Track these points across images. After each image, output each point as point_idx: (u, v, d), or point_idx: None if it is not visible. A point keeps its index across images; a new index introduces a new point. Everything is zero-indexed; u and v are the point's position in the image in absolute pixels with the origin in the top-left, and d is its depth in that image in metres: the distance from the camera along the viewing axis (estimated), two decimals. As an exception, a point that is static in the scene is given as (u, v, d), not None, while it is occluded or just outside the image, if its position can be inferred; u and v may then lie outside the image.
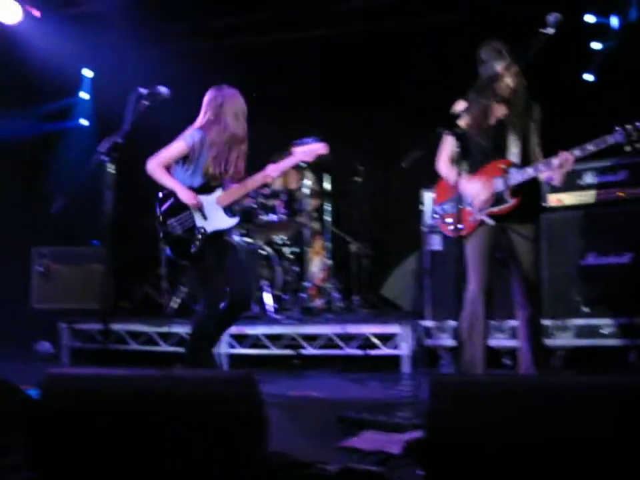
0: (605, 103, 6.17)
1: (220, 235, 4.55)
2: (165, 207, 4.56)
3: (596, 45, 6.73)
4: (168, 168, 4.54)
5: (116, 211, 3.64)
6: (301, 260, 6.84)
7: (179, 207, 4.51)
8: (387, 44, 7.48)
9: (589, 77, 6.79)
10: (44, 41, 7.19)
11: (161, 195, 4.59)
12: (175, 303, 6.80)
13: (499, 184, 3.81)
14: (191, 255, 4.49)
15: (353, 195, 7.46)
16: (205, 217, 4.52)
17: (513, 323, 4.97)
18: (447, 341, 5.45)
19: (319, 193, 7.34)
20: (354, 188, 7.41)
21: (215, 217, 4.52)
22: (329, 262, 6.89)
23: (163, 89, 4.05)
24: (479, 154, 3.92)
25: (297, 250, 6.89)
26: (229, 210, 4.57)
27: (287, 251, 6.85)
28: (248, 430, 2.37)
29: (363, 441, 3.14)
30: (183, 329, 5.91)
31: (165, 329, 5.99)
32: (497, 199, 3.84)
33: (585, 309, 5.10)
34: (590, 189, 5.22)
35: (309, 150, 4.56)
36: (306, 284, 6.61)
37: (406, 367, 5.42)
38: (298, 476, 2.48)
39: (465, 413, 2.21)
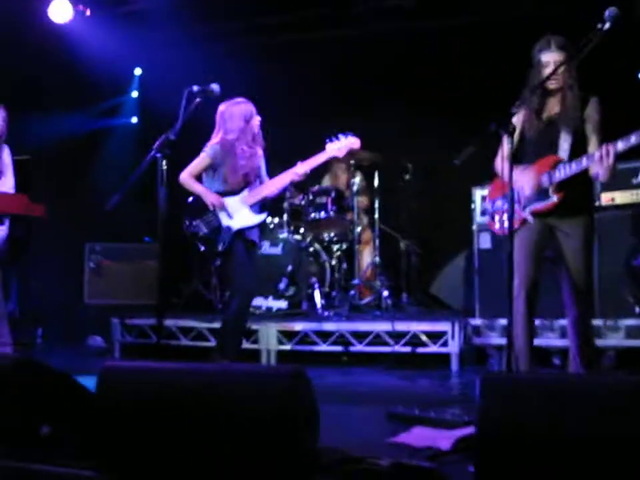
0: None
1: (244, 232, 4.87)
2: (191, 210, 4.97)
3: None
4: (198, 177, 4.94)
5: (168, 208, 3.70)
6: (349, 257, 6.85)
7: (205, 209, 4.90)
8: (436, 39, 7.44)
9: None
10: (94, 40, 7.30)
11: (190, 199, 4.99)
12: (225, 299, 6.87)
13: (544, 180, 3.76)
14: (219, 252, 4.84)
15: (402, 193, 7.45)
16: (230, 216, 4.87)
17: (563, 322, 4.92)
18: (496, 340, 5.41)
19: (368, 190, 7.35)
20: (403, 186, 7.40)
21: (240, 215, 4.87)
22: (378, 259, 6.89)
23: (214, 87, 4.13)
24: (531, 151, 3.89)
25: (345, 247, 6.91)
26: (256, 207, 4.90)
27: (335, 248, 6.87)
28: (299, 425, 2.39)
29: (413, 437, 3.14)
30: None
31: (215, 325, 6.05)
32: (541, 195, 3.80)
33: (637, 309, 5.02)
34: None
35: (341, 146, 4.81)
36: (354, 281, 6.63)
37: (455, 365, 5.40)
38: (349, 471, 2.49)
39: (515, 411, 2.20)
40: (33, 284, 7.16)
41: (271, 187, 4.94)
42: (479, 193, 5.67)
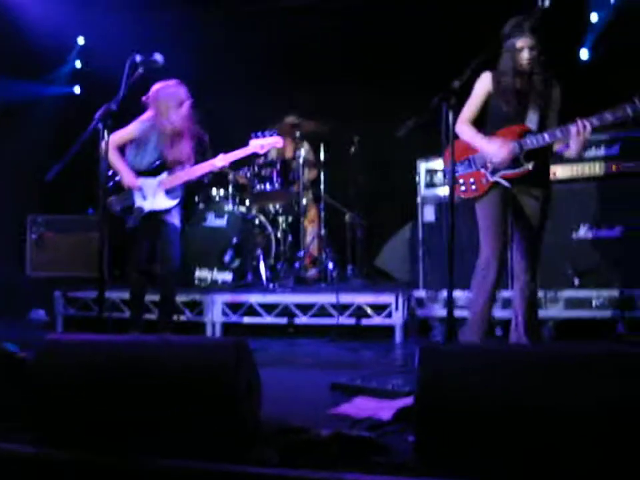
0: (602, 81, 6.17)
1: (156, 214, 4.92)
2: (110, 185, 4.96)
3: (594, 17, 6.72)
4: (122, 147, 4.99)
5: (110, 179, 3.65)
6: (295, 230, 6.86)
7: (121, 187, 4.93)
8: (382, 10, 7.43)
9: (584, 54, 6.80)
10: (38, 8, 7.13)
11: (109, 173, 4.91)
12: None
13: (515, 147, 3.87)
14: (127, 230, 4.92)
15: (347, 165, 7.46)
16: (144, 197, 4.92)
17: (507, 293, 5.02)
18: (439, 311, 5.50)
19: (314, 162, 7.35)
20: (349, 158, 7.41)
21: (154, 198, 4.92)
22: (324, 232, 6.91)
23: (157, 57, 4.05)
24: (498, 117, 4.01)
25: (291, 219, 6.91)
26: (170, 192, 4.93)
27: (281, 220, 6.87)
28: (240, 396, 2.41)
29: (354, 408, 3.18)
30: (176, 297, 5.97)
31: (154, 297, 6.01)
32: (513, 162, 3.91)
33: (575, 281, 5.14)
34: (583, 162, 5.23)
35: (264, 143, 5.03)
36: (300, 253, 6.65)
37: (398, 337, 5.47)
38: (289, 441, 2.51)
39: (453, 381, 2.25)
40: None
41: (189, 174, 4.96)
42: (423, 166, 5.73)
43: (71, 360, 2.58)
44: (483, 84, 4.04)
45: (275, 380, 3.59)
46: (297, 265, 6.57)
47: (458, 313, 5.07)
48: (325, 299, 5.68)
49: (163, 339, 2.56)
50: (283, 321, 5.78)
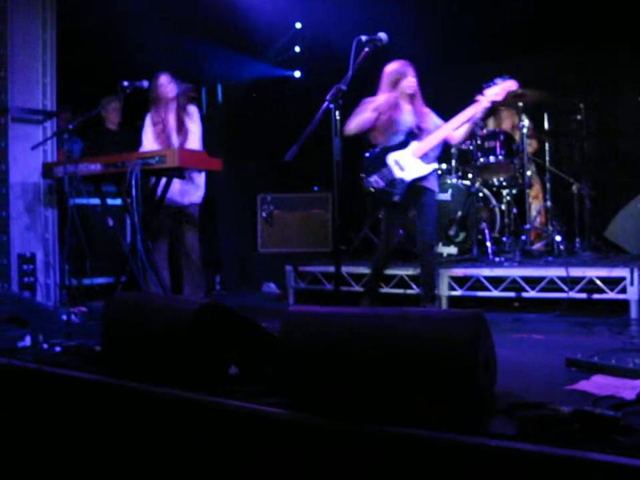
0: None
1: (416, 183, 5.11)
2: (367, 166, 5.23)
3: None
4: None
5: (342, 158, 3.77)
6: (520, 202, 6.71)
7: (379, 164, 5.16)
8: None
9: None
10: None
11: (367, 155, 5.27)
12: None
13: None
14: (394, 203, 5.11)
15: (573, 134, 7.15)
16: (402, 169, 5.10)
17: None
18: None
19: (538, 133, 7.13)
20: (575, 127, 7.10)
21: (412, 167, 5.09)
22: (549, 204, 6.69)
23: (382, 35, 4.11)
24: None
25: (515, 192, 6.76)
26: (425, 158, 5.11)
27: (505, 193, 6.74)
28: (478, 368, 2.42)
29: (593, 385, 3.08)
30: (401, 271, 6.06)
31: (387, 271, 6.13)
32: None
33: None
34: None
35: (500, 89, 4.99)
36: (526, 226, 6.49)
37: (634, 312, 5.19)
38: (528, 416, 2.48)
39: None
40: (211, 234, 7.54)
41: (435, 138, 5.12)
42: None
43: (311, 331, 2.71)
44: None
45: (507, 355, 3.55)
46: (522, 238, 6.41)
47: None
48: (554, 272, 5.51)
49: (402, 312, 2.61)
50: (511, 295, 5.69)
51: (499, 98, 5.02)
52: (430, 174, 5.15)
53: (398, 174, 5.11)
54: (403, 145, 5.14)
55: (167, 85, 5.53)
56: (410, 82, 5.14)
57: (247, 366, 3.20)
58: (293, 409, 2.59)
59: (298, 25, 8.79)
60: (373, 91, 5.27)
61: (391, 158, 5.14)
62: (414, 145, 5.12)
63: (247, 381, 3.04)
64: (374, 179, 5.17)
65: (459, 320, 2.48)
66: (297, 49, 8.95)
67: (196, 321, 3.04)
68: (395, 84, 5.13)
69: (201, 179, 5.57)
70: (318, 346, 2.64)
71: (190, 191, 5.52)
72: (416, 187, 5.12)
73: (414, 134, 5.16)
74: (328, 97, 3.66)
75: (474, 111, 5.01)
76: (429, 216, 5.13)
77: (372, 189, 5.20)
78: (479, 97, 5.03)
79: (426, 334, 2.48)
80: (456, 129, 5.12)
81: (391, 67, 5.18)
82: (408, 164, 5.11)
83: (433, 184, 5.22)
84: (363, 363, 2.55)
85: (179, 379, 2.95)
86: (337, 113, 3.65)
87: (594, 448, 2.19)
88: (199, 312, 3.06)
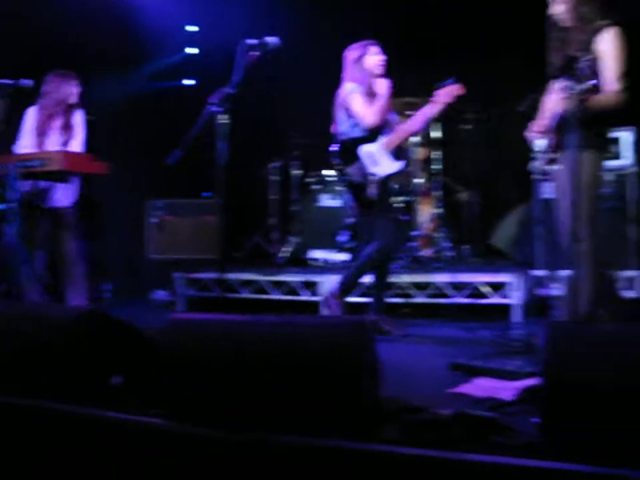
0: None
1: (388, 179, 4.92)
2: (341, 156, 4.93)
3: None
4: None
5: (228, 162, 3.72)
6: (410, 209, 6.81)
7: (353, 157, 4.87)
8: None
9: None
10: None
11: (334, 148, 4.99)
12: (285, 252, 6.92)
13: None
14: (368, 199, 4.83)
15: (462, 143, 7.34)
16: (375, 164, 4.86)
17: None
18: (558, 291, 5.34)
19: (427, 141, 7.26)
20: (464, 135, 7.29)
21: (384, 162, 4.88)
22: (439, 211, 6.84)
23: (272, 39, 4.07)
24: None
25: (405, 199, 6.86)
26: (394, 154, 4.89)
27: (395, 200, 6.82)
28: (363, 374, 2.42)
29: (474, 388, 3.15)
30: (292, 278, 6.06)
31: (276, 278, 6.12)
32: None
33: None
34: None
35: (449, 91, 4.78)
36: (415, 233, 6.59)
37: (517, 316, 5.36)
38: (411, 420, 2.51)
39: (583, 362, 2.18)
40: (99, 241, 7.32)
41: (403, 132, 4.94)
42: (539, 142, 5.54)
43: (194, 338, 2.65)
44: None
45: (392, 360, 3.59)
46: (412, 244, 6.51)
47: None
48: (441, 278, 5.63)
49: (287, 319, 2.59)
50: (399, 300, 5.76)
51: (450, 100, 4.82)
52: (399, 171, 4.99)
53: (372, 168, 4.88)
54: (371, 138, 4.90)
55: (57, 85, 5.31)
56: (375, 60, 4.89)
57: (131, 376, 3.11)
58: (174, 419, 2.53)
59: (190, 29, 8.70)
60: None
61: (364, 151, 4.91)
62: (381, 140, 4.89)
63: (130, 391, 2.96)
64: (351, 170, 4.90)
65: (344, 326, 2.47)
66: (194, 51, 8.83)
67: (74, 329, 2.92)
68: (359, 63, 4.87)
69: (74, 180, 5.35)
70: (200, 354, 2.58)
71: (63, 194, 5.26)
72: (386, 185, 4.94)
73: (380, 126, 4.90)
74: (213, 100, 3.61)
75: (432, 110, 4.81)
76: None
77: (352, 182, 4.93)
78: (434, 98, 4.84)
79: (311, 341, 2.47)
80: (417, 127, 4.96)
81: (353, 48, 4.93)
82: (381, 159, 4.88)
83: (396, 184, 5.09)
84: (247, 371, 2.51)
85: (56, 391, 2.83)
86: (226, 116, 3.60)
87: (472, 449, 2.23)
88: (77, 320, 2.94)
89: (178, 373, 2.63)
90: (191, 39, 8.79)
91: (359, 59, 4.87)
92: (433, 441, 2.32)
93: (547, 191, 5.48)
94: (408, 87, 6.18)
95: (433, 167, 7.05)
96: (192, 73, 8.90)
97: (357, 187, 4.90)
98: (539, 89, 3.31)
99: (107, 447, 2.60)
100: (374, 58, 4.88)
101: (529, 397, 2.82)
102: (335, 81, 5.03)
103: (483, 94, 7.46)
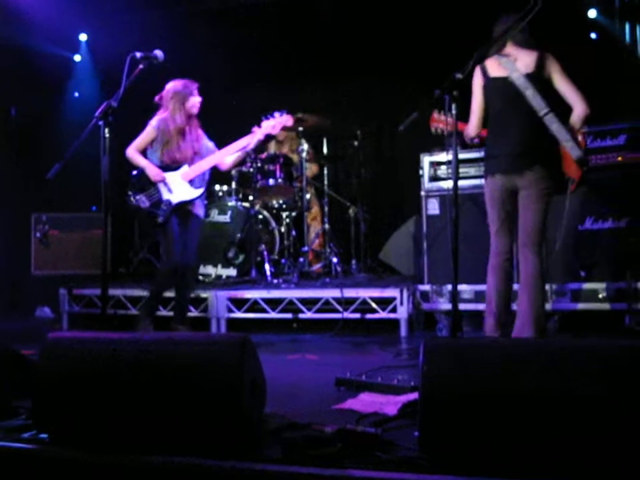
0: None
1: (183, 206, 5.08)
2: (134, 183, 5.12)
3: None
4: (144, 152, 5.15)
5: (114, 176, 3.64)
6: (299, 225, 6.84)
7: (148, 183, 5.07)
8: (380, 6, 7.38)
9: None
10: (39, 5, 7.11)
11: (134, 173, 5.13)
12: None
13: None
14: (157, 224, 5.01)
15: (350, 160, 7.44)
16: (170, 191, 5.05)
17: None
18: (444, 305, 5.47)
19: (316, 157, 7.34)
20: (352, 152, 7.39)
21: (180, 190, 5.06)
22: (327, 226, 6.90)
23: (157, 53, 4.05)
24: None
25: (294, 215, 6.89)
26: (194, 183, 5.10)
27: (284, 215, 6.85)
28: (244, 392, 2.39)
29: (360, 403, 3.17)
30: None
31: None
32: None
33: (582, 273, 5.11)
34: (589, 154, 5.19)
35: (276, 122, 5.15)
36: (304, 249, 6.62)
37: (403, 331, 5.45)
38: (293, 437, 2.50)
39: (458, 375, 2.23)
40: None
41: (206, 164, 5.14)
42: (427, 160, 5.68)
43: (74, 358, 2.57)
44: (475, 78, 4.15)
45: (280, 376, 3.58)
46: (301, 260, 6.55)
47: (462, 306, 5.12)
48: (330, 293, 5.66)
49: (167, 336, 2.54)
50: (288, 316, 5.77)
51: (274, 131, 5.19)
52: (197, 198, 5.13)
53: (165, 195, 5.05)
54: (173, 167, 5.08)
55: None
56: (195, 101, 5.11)
57: (6, 398, 3.00)
58: (49, 444, 2.44)
59: (83, 37, 8.51)
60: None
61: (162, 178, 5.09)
62: (184, 169, 5.07)
63: (5, 414, 2.85)
64: (140, 197, 5.07)
65: (224, 344, 2.45)
66: (78, 57, 8.61)
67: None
68: (182, 102, 5.05)
69: None
70: (78, 374, 2.50)
71: None
72: (182, 210, 5.10)
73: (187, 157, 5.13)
74: (97, 114, 3.52)
75: (247, 141, 5.10)
76: (192, 242, 5.16)
77: (136, 208, 5.10)
78: (255, 129, 5.14)
79: (191, 358, 2.43)
80: (227, 156, 5.20)
81: (176, 84, 5.09)
82: (176, 187, 5.06)
83: (199, 210, 5.23)
84: (127, 390, 2.45)
85: None
86: (107, 130, 3.51)
87: (354, 465, 2.24)
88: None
89: (55, 394, 2.55)
90: (82, 47, 8.60)
91: (183, 99, 5.07)
92: (315, 457, 2.31)
93: (433, 207, 5.64)
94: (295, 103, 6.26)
95: (322, 182, 7.11)
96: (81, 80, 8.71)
97: (144, 214, 5.10)
98: (418, 108, 3.37)
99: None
100: (195, 99, 5.12)
101: (411, 411, 2.86)
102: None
103: (369, 111, 7.62)
